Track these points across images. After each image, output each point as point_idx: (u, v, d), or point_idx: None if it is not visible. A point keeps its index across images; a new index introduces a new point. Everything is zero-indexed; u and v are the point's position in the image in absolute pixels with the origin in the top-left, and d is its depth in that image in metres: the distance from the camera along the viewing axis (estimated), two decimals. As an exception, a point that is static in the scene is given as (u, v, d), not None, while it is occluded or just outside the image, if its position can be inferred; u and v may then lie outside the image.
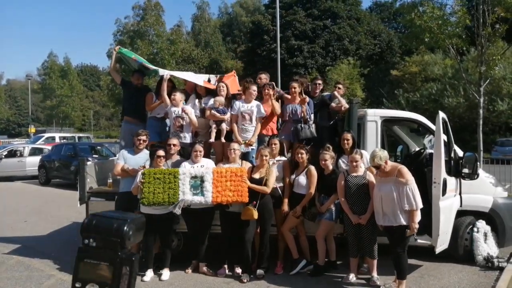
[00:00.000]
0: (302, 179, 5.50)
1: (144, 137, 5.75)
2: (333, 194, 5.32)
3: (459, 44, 11.96)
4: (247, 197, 5.18)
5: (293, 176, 5.59)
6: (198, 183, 5.21)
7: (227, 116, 6.11)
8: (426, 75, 29.97)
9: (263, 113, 6.12)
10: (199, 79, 6.61)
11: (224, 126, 6.10)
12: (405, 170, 4.79)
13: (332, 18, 36.53)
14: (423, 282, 5.29)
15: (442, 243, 5.39)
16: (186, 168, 5.35)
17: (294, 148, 5.92)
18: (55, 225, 8.48)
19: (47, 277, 5.46)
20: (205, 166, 5.48)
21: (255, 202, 5.26)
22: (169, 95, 6.17)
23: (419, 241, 5.64)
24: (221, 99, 6.15)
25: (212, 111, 6.08)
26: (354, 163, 5.12)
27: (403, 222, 4.67)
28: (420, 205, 4.69)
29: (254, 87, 6.14)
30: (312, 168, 5.50)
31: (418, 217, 4.72)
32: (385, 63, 36.75)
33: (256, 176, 5.39)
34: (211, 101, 6.25)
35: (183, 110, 6.04)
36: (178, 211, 5.15)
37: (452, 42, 11.75)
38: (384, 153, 4.84)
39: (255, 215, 5.20)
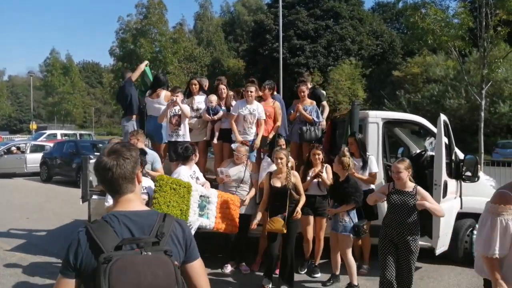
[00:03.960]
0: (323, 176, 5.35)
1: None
2: (347, 203, 4.84)
3: (462, 46, 11.98)
4: (237, 228, 5.19)
5: (310, 179, 5.37)
6: (204, 204, 4.90)
7: (220, 115, 6.15)
8: (427, 76, 29.96)
9: (263, 116, 6.07)
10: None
11: (217, 125, 6.17)
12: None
13: (335, 18, 36.53)
14: (422, 284, 5.32)
15: (442, 245, 5.42)
16: (197, 186, 4.99)
17: (309, 149, 5.69)
18: (57, 222, 8.53)
19: (50, 274, 5.50)
20: (198, 175, 5.29)
21: (285, 213, 4.78)
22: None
23: (419, 242, 5.66)
24: (213, 97, 6.20)
25: (205, 114, 6.19)
26: (396, 174, 4.08)
27: None
28: None
29: (252, 88, 6.03)
30: (329, 167, 5.40)
31: None
32: (387, 64, 36.75)
33: (277, 184, 4.86)
34: (200, 99, 6.35)
35: (173, 103, 5.92)
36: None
37: (455, 44, 11.77)
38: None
39: (285, 228, 4.71)
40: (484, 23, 11.42)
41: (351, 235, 4.83)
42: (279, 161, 4.88)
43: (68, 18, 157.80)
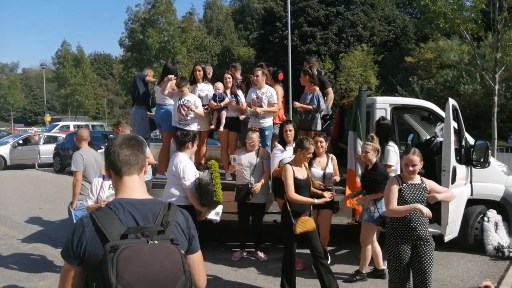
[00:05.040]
0: (329, 170, 5.22)
1: None
2: (376, 191, 4.53)
3: (474, 30, 11.65)
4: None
5: (316, 170, 5.19)
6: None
7: (226, 101, 6.09)
8: (441, 62, 29.36)
9: (274, 99, 6.01)
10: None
11: (223, 113, 6.13)
12: None
13: (346, 4, 36.00)
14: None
15: (451, 232, 5.35)
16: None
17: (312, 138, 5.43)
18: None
19: (62, 263, 5.58)
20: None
21: (311, 208, 4.60)
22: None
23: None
24: (220, 84, 6.17)
25: (210, 101, 6.15)
26: (411, 168, 3.63)
27: None
28: None
29: (258, 72, 6.00)
30: (334, 157, 5.34)
31: None
32: (400, 50, 36.11)
33: (299, 176, 4.41)
34: (203, 87, 6.34)
35: (189, 108, 5.92)
36: (218, 219, 4.81)
37: (467, 27, 11.44)
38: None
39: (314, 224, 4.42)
40: (497, 4, 11.06)
41: (375, 225, 4.60)
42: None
43: (78, 10, 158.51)
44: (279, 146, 5.55)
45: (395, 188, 3.61)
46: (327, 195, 4.54)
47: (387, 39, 36.94)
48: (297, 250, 4.49)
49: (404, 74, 31.65)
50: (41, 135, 18.48)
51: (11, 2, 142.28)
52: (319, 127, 6.05)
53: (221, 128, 6.18)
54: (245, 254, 5.79)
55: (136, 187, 1.67)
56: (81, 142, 5.36)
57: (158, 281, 1.39)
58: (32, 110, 74.59)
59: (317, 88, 6.12)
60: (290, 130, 5.52)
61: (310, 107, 5.99)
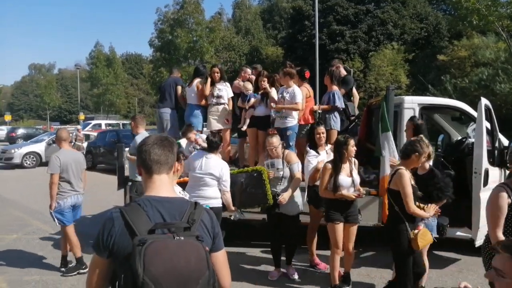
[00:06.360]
0: (356, 177, 4.62)
1: None
2: (438, 199, 4.17)
3: (510, 26, 11.20)
4: None
5: (345, 178, 4.51)
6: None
7: (252, 102, 6.19)
8: (476, 60, 28.29)
9: (296, 98, 5.81)
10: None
11: (249, 112, 6.22)
12: None
13: (376, 1, 35.31)
14: (461, 277, 5.09)
15: (482, 237, 5.14)
16: None
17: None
18: (98, 208, 8.90)
19: (88, 257, 5.74)
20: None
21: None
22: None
23: (458, 234, 5.43)
24: (249, 85, 6.31)
25: (240, 101, 6.32)
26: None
27: None
28: None
29: (281, 72, 6.02)
30: (357, 161, 4.84)
31: None
32: (432, 48, 35.08)
33: (413, 182, 3.96)
34: (221, 86, 6.49)
35: (196, 142, 6.06)
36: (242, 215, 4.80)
37: (502, 24, 11.01)
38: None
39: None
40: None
41: (433, 235, 4.17)
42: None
43: (111, 10, 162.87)
44: (312, 152, 5.19)
45: (505, 203, 2.76)
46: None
47: (419, 37, 35.96)
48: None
49: (436, 72, 30.72)
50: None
51: (50, 6, 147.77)
52: (337, 126, 5.97)
53: (244, 127, 6.29)
54: (282, 271, 5.24)
55: (164, 185, 1.72)
56: (60, 143, 5.43)
57: (183, 275, 1.44)
58: (67, 109, 77.30)
59: (335, 87, 6.05)
60: (322, 133, 5.20)
61: (326, 107, 5.95)
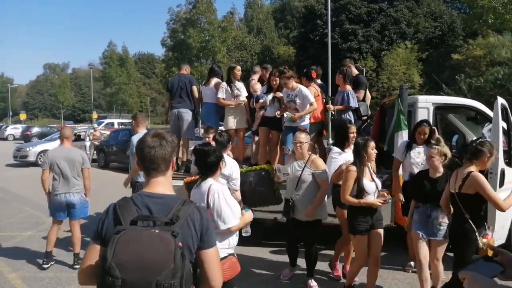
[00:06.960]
0: (377, 180, 4.36)
1: None
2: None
3: (528, 24, 10.99)
4: None
5: (369, 183, 4.18)
6: None
7: (262, 102, 6.17)
8: (491, 59, 27.78)
9: (310, 99, 5.71)
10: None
11: (261, 113, 6.21)
12: None
13: (389, 0, 34.97)
14: (475, 279, 4.99)
15: (498, 238, 5.06)
16: None
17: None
18: (110, 206, 8.98)
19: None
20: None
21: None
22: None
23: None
24: (258, 86, 6.38)
25: (254, 102, 6.28)
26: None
27: None
28: None
29: (282, 81, 5.91)
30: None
31: None
32: (446, 47, 34.60)
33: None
34: (239, 85, 6.54)
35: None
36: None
37: (520, 22, 10.81)
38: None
39: None
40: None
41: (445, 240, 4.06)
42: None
43: (124, 11, 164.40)
44: (336, 149, 4.94)
45: None
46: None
47: (433, 35, 35.52)
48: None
49: (451, 72, 30.27)
50: (83, 134, 19.15)
51: (65, 6, 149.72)
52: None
53: (254, 127, 6.36)
54: (295, 272, 5.09)
55: (160, 182, 1.82)
56: (62, 140, 5.57)
57: (146, 265, 1.51)
58: (81, 108, 78.29)
59: (348, 87, 5.99)
60: (355, 132, 4.97)
61: (341, 107, 5.91)
